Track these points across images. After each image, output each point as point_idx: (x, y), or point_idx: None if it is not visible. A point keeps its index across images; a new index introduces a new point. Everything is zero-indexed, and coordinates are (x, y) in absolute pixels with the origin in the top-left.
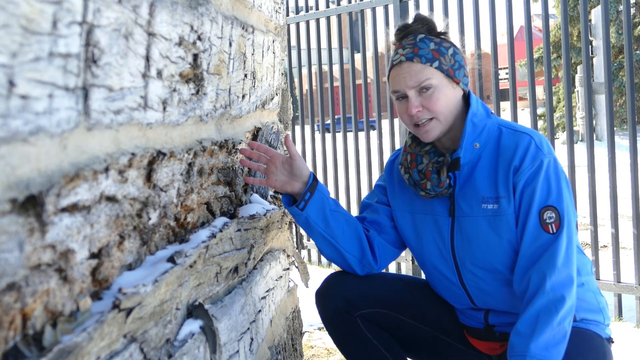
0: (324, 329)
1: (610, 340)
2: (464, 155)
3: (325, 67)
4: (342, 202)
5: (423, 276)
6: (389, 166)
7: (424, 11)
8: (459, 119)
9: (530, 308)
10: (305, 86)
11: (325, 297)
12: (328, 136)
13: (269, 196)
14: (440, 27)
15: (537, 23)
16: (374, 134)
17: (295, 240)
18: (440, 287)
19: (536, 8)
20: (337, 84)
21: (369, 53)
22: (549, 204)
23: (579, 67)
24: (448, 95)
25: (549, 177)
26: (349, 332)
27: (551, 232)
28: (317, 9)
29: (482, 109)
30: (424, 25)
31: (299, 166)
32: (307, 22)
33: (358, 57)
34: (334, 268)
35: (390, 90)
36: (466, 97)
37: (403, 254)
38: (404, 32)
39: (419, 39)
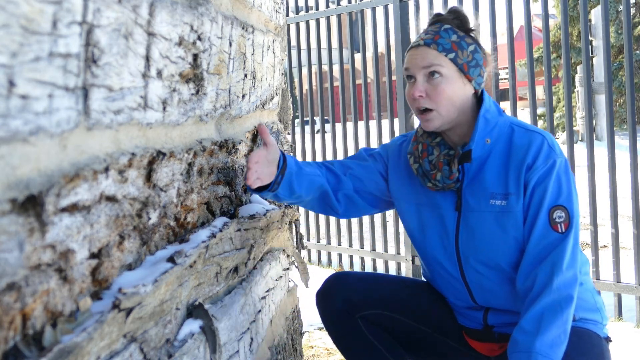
0: (324, 329)
1: (608, 339)
2: (475, 150)
3: (325, 67)
4: None
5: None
6: (396, 149)
7: (424, 11)
8: (467, 115)
9: (535, 306)
10: (305, 86)
11: (327, 298)
12: (328, 136)
13: None
14: (471, 25)
15: (537, 23)
16: (374, 134)
17: (295, 240)
18: (440, 281)
19: (536, 8)
20: (337, 84)
21: (369, 53)
22: (560, 204)
23: (579, 67)
24: (455, 89)
25: (560, 177)
26: (350, 334)
27: (560, 231)
28: (317, 9)
29: (494, 107)
30: (456, 18)
31: (274, 152)
32: (307, 22)
33: (358, 57)
34: (334, 268)
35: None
36: (479, 96)
37: (403, 253)
38: (433, 19)
39: (443, 28)
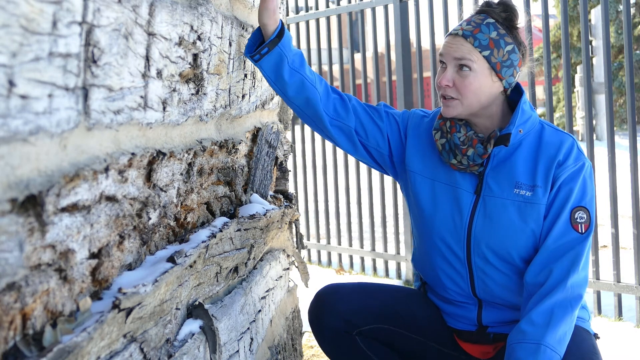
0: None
1: (596, 335)
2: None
3: (325, 67)
4: (342, 204)
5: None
6: (418, 120)
7: (424, 11)
8: (490, 110)
9: (546, 300)
10: None
11: (321, 316)
12: None
13: (268, 196)
14: (519, 21)
15: (537, 23)
16: None
17: (295, 240)
18: (441, 263)
19: (536, 8)
20: (337, 83)
21: (369, 53)
22: (583, 205)
23: (578, 67)
24: (482, 85)
25: (585, 180)
26: (348, 351)
27: (580, 231)
28: (317, 9)
29: (528, 102)
30: (504, 11)
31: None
32: (307, 22)
33: (358, 57)
34: (334, 268)
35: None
36: (512, 90)
37: (403, 253)
38: (481, 8)
39: (486, 22)
